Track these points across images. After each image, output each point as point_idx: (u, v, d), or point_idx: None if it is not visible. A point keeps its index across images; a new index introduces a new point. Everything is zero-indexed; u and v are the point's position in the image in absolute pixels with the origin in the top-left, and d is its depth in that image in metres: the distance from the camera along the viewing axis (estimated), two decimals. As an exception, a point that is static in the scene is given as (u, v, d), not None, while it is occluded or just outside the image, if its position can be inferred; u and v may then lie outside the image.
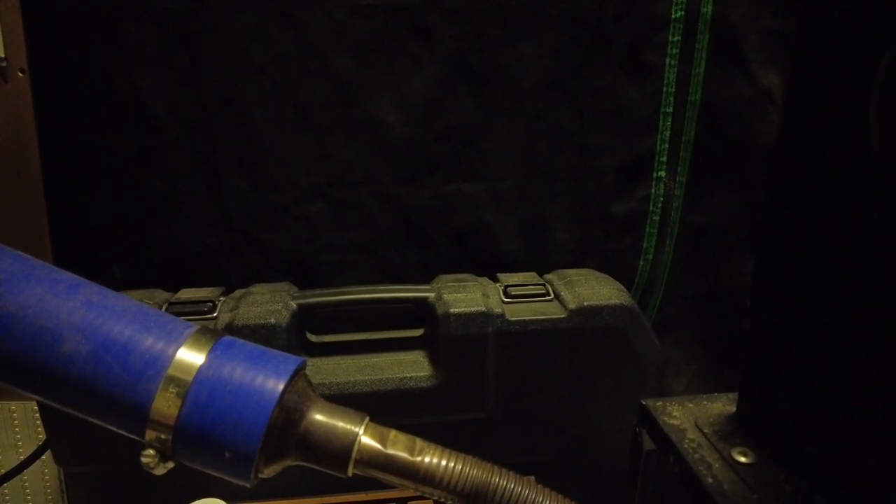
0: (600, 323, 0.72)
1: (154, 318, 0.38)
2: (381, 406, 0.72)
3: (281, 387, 0.36)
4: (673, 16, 0.78)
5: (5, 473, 0.79)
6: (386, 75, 0.76)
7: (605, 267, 0.84)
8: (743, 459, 0.38)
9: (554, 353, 0.73)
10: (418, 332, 0.77)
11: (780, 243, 0.36)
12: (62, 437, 0.70)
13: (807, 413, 0.35)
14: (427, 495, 0.39)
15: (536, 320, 0.72)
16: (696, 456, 0.38)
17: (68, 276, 0.39)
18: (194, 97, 0.76)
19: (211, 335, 0.38)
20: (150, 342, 0.37)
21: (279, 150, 0.78)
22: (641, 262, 0.87)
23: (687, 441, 0.40)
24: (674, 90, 0.81)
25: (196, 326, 0.39)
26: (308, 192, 0.80)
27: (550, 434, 0.76)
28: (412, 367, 0.73)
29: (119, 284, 0.78)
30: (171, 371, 0.36)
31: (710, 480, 0.36)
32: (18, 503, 0.84)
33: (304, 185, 0.79)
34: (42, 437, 0.81)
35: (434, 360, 0.73)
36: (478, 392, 0.73)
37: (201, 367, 0.36)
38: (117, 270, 0.83)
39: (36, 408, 0.80)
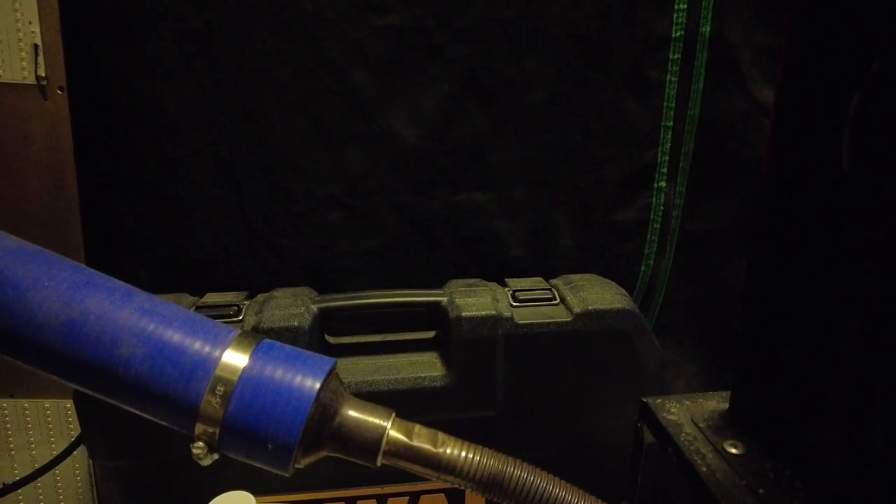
0: (604, 326, 0.76)
1: (200, 324, 0.42)
2: (397, 404, 0.75)
3: (318, 386, 0.40)
4: (673, 35, 0.82)
5: (39, 468, 0.82)
6: (400, 91, 0.80)
7: (608, 272, 0.88)
8: (734, 451, 0.42)
9: (560, 354, 0.77)
10: (431, 335, 0.81)
11: (767, 252, 0.40)
12: (97, 433, 0.74)
13: (790, 410, 0.39)
14: (448, 483, 0.43)
15: (543, 323, 0.76)
16: (692, 448, 0.42)
17: (121, 285, 0.43)
18: (218, 111, 0.79)
19: (253, 338, 0.42)
20: (198, 345, 0.41)
21: (298, 161, 0.81)
22: (643, 268, 0.91)
23: (684, 435, 0.44)
24: (674, 105, 0.84)
25: (238, 330, 0.43)
26: (325, 201, 0.83)
27: (557, 431, 0.80)
28: (426, 368, 0.77)
29: (146, 289, 0.81)
30: (218, 372, 0.40)
31: (704, 469, 0.40)
32: (50, 496, 0.87)
33: (322, 195, 0.83)
34: (74, 433, 0.85)
35: (447, 360, 0.77)
36: (488, 391, 0.77)
37: (245, 367, 0.40)
38: (144, 275, 0.86)
39: (68, 405, 0.84)
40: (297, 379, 0.41)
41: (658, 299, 0.92)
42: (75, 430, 0.85)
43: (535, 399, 0.78)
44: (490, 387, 0.77)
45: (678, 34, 0.82)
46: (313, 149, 0.81)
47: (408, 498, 0.81)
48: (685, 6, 0.80)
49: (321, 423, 0.41)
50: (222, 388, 0.40)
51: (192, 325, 0.42)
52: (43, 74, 0.71)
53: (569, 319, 0.76)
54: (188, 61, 0.78)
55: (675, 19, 0.81)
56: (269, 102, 0.79)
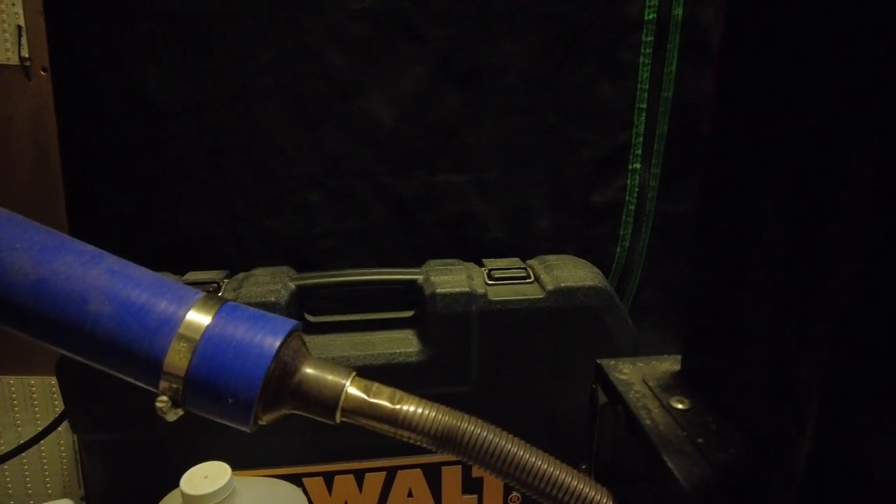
0: (575, 303, 0.78)
1: (167, 285, 0.44)
2: (372, 379, 0.77)
3: (277, 343, 0.42)
4: (646, 18, 0.83)
5: (24, 443, 0.84)
6: (378, 73, 0.81)
7: (584, 253, 0.89)
8: (679, 406, 0.43)
9: (533, 331, 0.78)
10: (410, 313, 0.83)
11: (710, 227, 0.42)
12: (79, 407, 0.75)
13: (727, 366, 0.40)
14: (405, 439, 0.44)
15: (516, 300, 0.77)
16: (639, 404, 0.44)
17: (93, 249, 0.45)
18: (200, 93, 0.81)
19: (217, 300, 0.43)
20: (164, 305, 0.42)
21: (278, 142, 0.83)
22: (618, 249, 0.92)
23: (633, 392, 0.45)
24: (647, 87, 0.86)
25: (203, 293, 0.44)
26: (305, 183, 0.85)
27: (531, 406, 0.81)
28: (402, 344, 0.78)
29: (129, 268, 0.83)
30: (181, 329, 0.41)
31: (648, 422, 0.41)
32: (36, 471, 0.89)
33: (302, 176, 0.84)
34: (58, 410, 0.86)
35: (422, 337, 0.78)
36: (463, 367, 0.78)
37: (208, 326, 0.42)
38: (127, 255, 0.88)
39: (53, 382, 0.86)
40: (258, 337, 0.42)
41: (635, 280, 0.94)
42: (60, 406, 0.87)
43: (510, 374, 0.80)
44: (465, 362, 0.78)
45: (651, 17, 0.83)
46: (293, 130, 0.82)
47: (385, 473, 0.82)
48: (658, -11, 0.82)
49: (281, 379, 0.42)
50: (185, 345, 0.41)
51: (160, 286, 0.44)
52: (26, 55, 0.73)
53: (541, 296, 0.78)
54: (171, 44, 0.79)
55: (647, 2, 0.82)
56: (250, 85, 0.81)
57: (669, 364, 0.49)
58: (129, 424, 0.76)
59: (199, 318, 0.42)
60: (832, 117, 0.25)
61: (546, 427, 0.82)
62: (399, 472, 0.83)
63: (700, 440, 0.39)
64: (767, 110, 0.32)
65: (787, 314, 0.28)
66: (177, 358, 0.41)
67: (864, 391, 0.24)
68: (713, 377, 0.41)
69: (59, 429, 0.84)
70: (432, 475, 0.83)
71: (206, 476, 0.65)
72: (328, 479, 0.81)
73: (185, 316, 0.42)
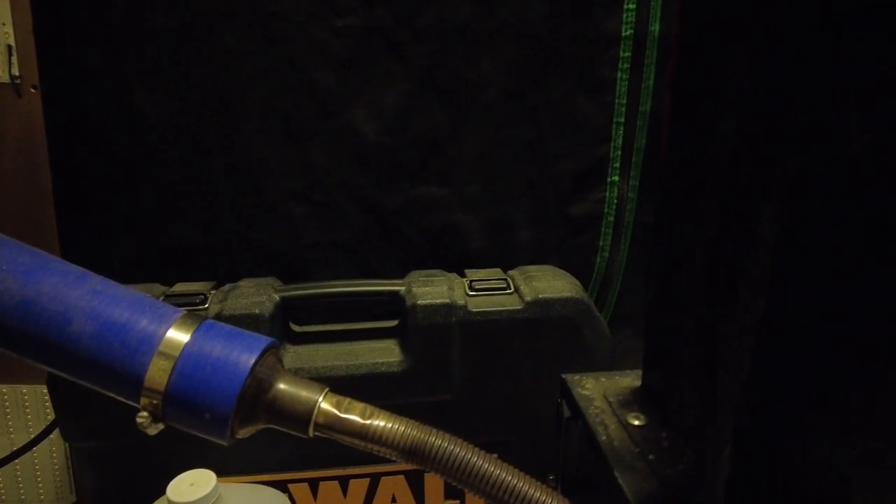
0: (553, 314, 0.80)
1: (148, 304, 0.46)
2: (355, 389, 0.78)
3: (252, 360, 0.44)
4: (623, 34, 0.85)
5: (16, 450, 0.86)
6: (361, 89, 0.83)
7: (565, 264, 0.91)
8: (636, 422, 0.45)
9: (512, 341, 0.80)
10: (393, 323, 0.84)
11: (668, 241, 0.43)
12: (70, 415, 0.77)
13: (679, 385, 0.42)
14: (376, 452, 0.46)
15: (496, 311, 0.79)
16: (598, 420, 0.46)
17: (77, 269, 0.46)
18: (187, 109, 0.83)
19: (196, 318, 0.46)
20: (144, 323, 0.44)
21: (264, 156, 0.85)
22: (598, 260, 0.94)
23: (593, 408, 0.47)
24: (625, 101, 0.88)
25: (183, 311, 0.46)
26: (290, 195, 0.86)
27: (511, 415, 0.83)
28: (384, 354, 0.80)
29: (119, 279, 0.85)
30: (161, 347, 0.43)
31: (604, 438, 0.43)
32: (29, 478, 0.91)
33: (287, 189, 0.86)
34: (50, 417, 0.88)
35: (404, 347, 0.80)
36: (444, 376, 0.80)
37: (187, 343, 0.44)
38: (118, 266, 0.90)
39: (45, 391, 0.88)
40: (234, 354, 0.44)
41: (615, 290, 0.96)
42: (52, 414, 0.88)
43: (490, 384, 0.82)
44: (445, 372, 0.80)
45: (628, 33, 0.85)
46: (278, 144, 0.84)
47: (369, 479, 0.84)
48: (634, 6, 0.84)
49: (256, 395, 0.44)
50: (165, 363, 0.43)
51: (140, 305, 0.45)
52: (17, 73, 0.75)
53: (520, 307, 0.79)
54: (159, 60, 0.81)
55: (624, 18, 0.84)
56: (236, 100, 0.83)
57: (631, 380, 0.51)
58: (118, 432, 0.77)
59: (178, 336, 0.44)
60: (746, 153, 0.27)
61: (526, 435, 0.84)
62: (383, 478, 0.84)
63: (651, 456, 0.41)
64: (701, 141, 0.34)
65: (709, 339, 0.30)
66: (157, 375, 0.43)
67: (778, 413, 0.26)
68: (666, 394, 0.43)
69: (52, 436, 0.86)
70: (415, 482, 0.85)
71: (192, 483, 0.67)
72: (313, 485, 0.83)
73: (164, 334, 0.44)
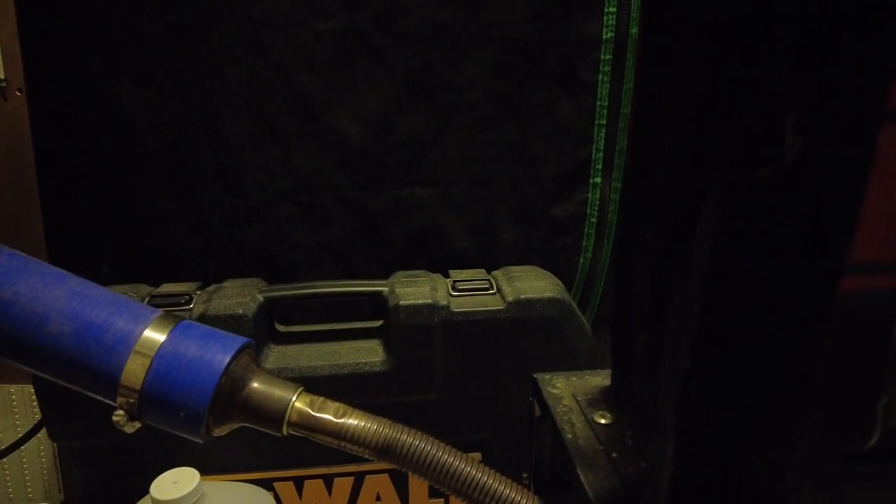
0: (535, 314, 0.80)
1: (126, 304, 0.47)
2: (338, 389, 0.79)
3: (227, 360, 0.45)
4: (604, 37, 0.86)
5: (5, 448, 0.87)
6: (344, 92, 0.84)
7: (549, 265, 0.92)
8: (602, 421, 0.46)
9: (495, 341, 0.81)
10: (378, 323, 0.85)
11: (630, 239, 0.44)
12: (56, 415, 0.78)
13: (643, 384, 0.43)
14: (349, 451, 0.47)
15: (478, 311, 0.80)
16: (565, 418, 0.46)
17: (56, 270, 0.47)
18: (173, 111, 0.83)
19: (172, 319, 0.46)
20: (121, 324, 0.45)
21: (249, 158, 0.86)
22: (582, 260, 0.95)
23: (561, 406, 0.48)
24: (607, 104, 0.89)
25: (161, 311, 0.47)
26: (276, 197, 0.87)
27: (494, 414, 0.84)
28: (367, 354, 0.81)
29: (107, 280, 0.86)
30: (137, 347, 0.44)
31: (569, 436, 0.44)
32: (17, 477, 0.92)
33: (272, 190, 0.87)
34: (38, 417, 0.89)
35: (387, 347, 0.81)
36: (426, 376, 0.81)
37: (163, 343, 0.44)
38: (105, 267, 0.90)
39: (33, 390, 0.88)
40: (209, 354, 0.45)
41: (598, 290, 0.97)
42: (39, 413, 0.89)
43: (473, 383, 0.82)
44: (428, 372, 0.81)
45: (609, 36, 0.86)
46: (263, 147, 0.85)
47: (353, 478, 0.85)
48: (615, 9, 0.85)
49: (230, 394, 0.45)
50: (141, 362, 0.44)
51: (118, 306, 0.46)
52: (2, 77, 0.76)
53: (502, 307, 0.80)
54: (145, 64, 0.82)
55: (605, 21, 0.85)
56: (221, 103, 0.84)
57: (601, 379, 0.52)
58: (105, 431, 0.77)
59: (154, 335, 0.45)
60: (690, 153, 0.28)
61: (508, 434, 0.85)
62: (367, 476, 0.85)
63: (615, 455, 0.42)
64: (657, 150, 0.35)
65: (653, 339, 0.31)
66: (133, 374, 0.44)
67: (716, 410, 0.27)
68: (630, 393, 0.44)
69: (39, 435, 0.87)
70: (400, 481, 0.86)
71: (176, 482, 0.68)
72: (298, 483, 0.84)
73: (141, 334, 0.45)
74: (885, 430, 0.25)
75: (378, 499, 0.86)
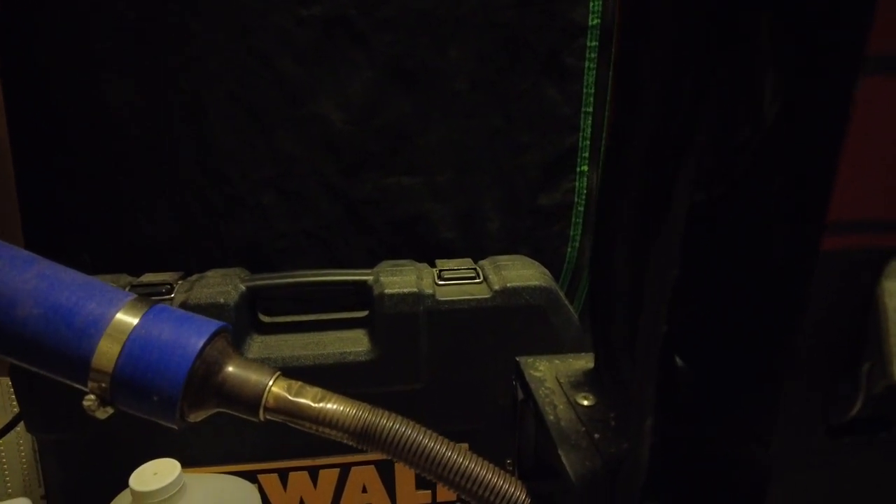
0: (521, 302, 0.80)
1: (98, 288, 0.46)
2: (323, 379, 0.78)
3: (201, 343, 0.44)
4: (590, 23, 0.85)
5: (-18, 444, 0.85)
6: (327, 78, 0.83)
7: (536, 254, 0.91)
8: (585, 403, 0.45)
9: (481, 329, 0.80)
10: (364, 313, 0.84)
11: (608, 216, 0.43)
12: (34, 407, 0.77)
13: (628, 362, 0.43)
14: (328, 436, 0.46)
15: (464, 300, 0.79)
16: (547, 400, 0.46)
17: (26, 254, 0.46)
18: (154, 100, 0.82)
19: (146, 302, 0.45)
20: (92, 306, 0.44)
21: (232, 146, 0.84)
22: (569, 249, 0.94)
23: (543, 389, 0.47)
24: (593, 91, 0.88)
25: (134, 295, 0.46)
26: (259, 185, 0.86)
27: (480, 403, 0.83)
28: (352, 343, 0.80)
29: (89, 271, 0.84)
30: (109, 330, 0.43)
31: (551, 418, 0.43)
32: (-4, 471, 0.90)
33: (256, 178, 0.86)
34: (16, 409, 0.87)
35: (372, 336, 0.80)
36: (412, 365, 0.80)
37: (135, 326, 0.43)
38: (87, 258, 0.89)
39: (10, 382, 0.87)
40: (183, 337, 0.44)
41: (585, 279, 0.96)
42: (17, 406, 0.88)
43: (459, 372, 0.82)
44: (414, 361, 0.80)
45: (595, 22, 0.85)
46: (246, 134, 0.84)
47: (339, 469, 0.84)
48: (600, -5, 0.84)
49: (205, 378, 0.44)
50: (112, 345, 0.43)
51: (90, 289, 0.45)
52: (-24, 65, 0.74)
53: (488, 296, 0.79)
54: (124, 52, 0.81)
55: (591, 8, 0.84)
56: (203, 91, 0.82)
57: (585, 362, 0.51)
58: (84, 424, 0.76)
59: (127, 318, 0.44)
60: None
61: (495, 422, 0.84)
62: (353, 468, 0.84)
63: (597, 436, 0.41)
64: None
65: (632, 314, 0.30)
66: (104, 357, 0.43)
67: (694, 385, 0.26)
68: (612, 373, 0.44)
69: (18, 428, 0.85)
70: (386, 471, 0.85)
71: (156, 473, 0.67)
72: (283, 475, 0.83)
73: (113, 317, 0.44)
74: (868, 396, 0.24)
75: (364, 490, 0.85)
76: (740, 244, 0.25)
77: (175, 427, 0.46)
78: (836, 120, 0.22)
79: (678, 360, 0.25)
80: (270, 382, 0.45)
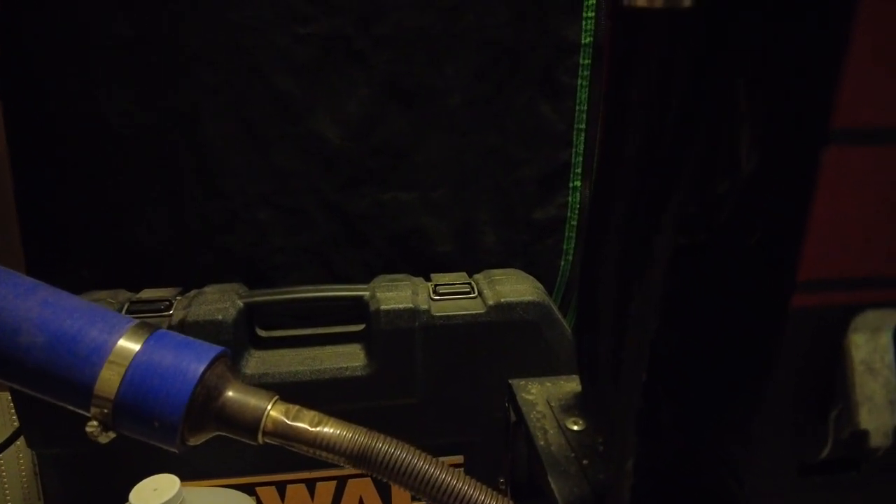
0: (515, 317, 0.81)
1: (100, 314, 0.46)
2: (319, 394, 0.80)
3: (201, 369, 0.45)
4: (583, 41, 0.86)
5: (-18, 457, 0.86)
6: (325, 95, 0.84)
7: (530, 268, 0.92)
8: (575, 427, 0.46)
9: (476, 344, 0.81)
10: (360, 328, 0.85)
11: (594, 247, 0.44)
12: (34, 423, 0.77)
13: (612, 392, 0.44)
14: (325, 459, 0.47)
15: (459, 315, 0.80)
16: (538, 424, 0.47)
17: (30, 281, 0.47)
18: (152, 115, 0.83)
19: (148, 328, 0.46)
20: (95, 333, 0.45)
21: (230, 162, 0.85)
22: (563, 263, 0.95)
23: (535, 413, 0.48)
24: (586, 108, 0.89)
25: (136, 321, 0.47)
26: (256, 200, 0.87)
27: (476, 417, 0.84)
28: (348, 359, 0.81)
29: (87, 285, 0.85)
30: (111, 357, 0.44)
31: (542, 443, 0.45)
32: (-4, 485, 0.91)
33: (253, 193, 0.87)
34: (16, 424, 0.88)
35: (368, 351, 0.81)
36: (408, 380, 0.81)
37: (137, 353, 0.44)
38: (85, 272, 0.90)
39: (10, 398, 0.88)
40: (184, 363, 0.45)
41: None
42: (17, 421, 0.89)
43: (454, 387, 0.83)
44: (410, 376, 0.81)
45: (587, 40, 0.86)
46: (243, 150, 0.85)
47: (336, 482, 0.85)
48: (593, 14, 0.85)
49: (205, 403, 0.45)
50: (115, 372, 0.44)
51: (92, 315, 0.46)
52: (-25, 82, 0.75)
53: (483, 311, 0.81)
54: (123, 68, 0.81)
55: (584, 26, 0.85)
56: (201, 107, 0.83)
57: (575, 385, 0.52)
58: (83, 439, 0.77)
59: (129, 345, 0.45)
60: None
61: (490, 437, 0.85)
62: (350, 481, 0.86)
63: (586, 462, 0.42)
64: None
65: (616, 346, 0.31)
66: (106, 384, 0.44)
67: (674, 417, 0.27)
68: (597, 399, 0.45)
69: (18, 443, 0.86)
70: (383, 484, 0.86)
71: (156, 488, 0.68)
72: (280, 488, 0.84)
73: (115, 343, 0.45)
74: (837, 440, 0.25)
75: (361, 503, 0.87)
76: (717, 294, 0.26)
77: (175, 451, 0.47)
78: (806, 178, 0.24)
79: (660, 400, 0.27)
80: (269, 407, 0.46)
